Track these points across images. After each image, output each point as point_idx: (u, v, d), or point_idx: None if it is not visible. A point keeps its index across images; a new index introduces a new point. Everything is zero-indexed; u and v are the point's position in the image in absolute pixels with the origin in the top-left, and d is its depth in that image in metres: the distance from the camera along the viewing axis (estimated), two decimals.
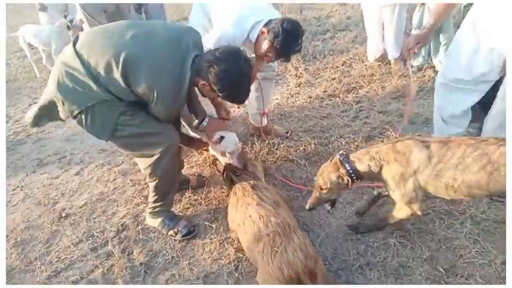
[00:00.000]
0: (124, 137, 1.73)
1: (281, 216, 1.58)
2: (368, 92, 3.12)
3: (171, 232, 2.04)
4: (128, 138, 1.74)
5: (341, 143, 2.55)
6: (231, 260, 1.85)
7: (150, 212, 2.07)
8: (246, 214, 1.66)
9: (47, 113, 1.76)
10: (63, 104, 1.65)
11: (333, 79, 3.46)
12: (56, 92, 1.64)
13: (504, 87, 1.80)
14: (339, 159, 1.65)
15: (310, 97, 3.23)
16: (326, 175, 1.66)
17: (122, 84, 1.60)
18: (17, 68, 5.26)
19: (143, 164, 1.84)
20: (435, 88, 2.10)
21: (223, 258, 1.88)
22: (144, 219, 2.20)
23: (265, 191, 1.78)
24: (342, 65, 3.66)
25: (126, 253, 2.00)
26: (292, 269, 1.33)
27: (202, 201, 2.26)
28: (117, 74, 1.58)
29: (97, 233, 2.16)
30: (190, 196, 2.32)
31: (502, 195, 1.45)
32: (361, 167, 1.61)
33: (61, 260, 2.02)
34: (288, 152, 2.54)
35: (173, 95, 1.65)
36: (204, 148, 2.30)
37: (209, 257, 1.90)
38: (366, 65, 3.48)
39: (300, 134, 2.73)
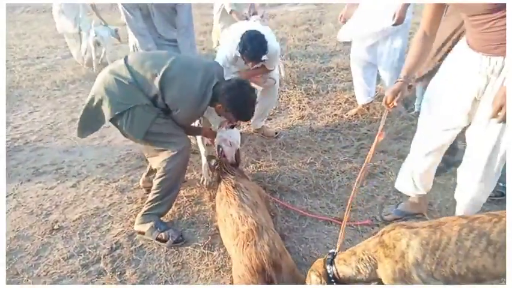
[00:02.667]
0: (154, 134, 2.08)
1: (257, 217, 1.79)
2: (369, 131, 3.18)
3: (161, 236, 2.10)
4: (156, 135, 2.09)
5: (342, 178, 2.57)
6: None
7: (143, 215, 2.16)
8: (227, 212, 1.87)
9: (91, 117, 2.12)
10: (109, 104, 2.03)
11: (335, 115, 3.52)
12: (104, 93, 2.03)
13: None
14: (324, 258, 1.56)
15: (312, 130, 3.28)
16: (309, 271, 1.59)
17: (159, 92, 2.02)
18: (20, 75, 5.26)
19: (160, 158, 2.13)
20: None
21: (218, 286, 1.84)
22: (139, 238, 2.16)
23: (247, 191, 1.98)
24: (345, 102, 3.75)
25: (118, 273, 1.95)
26: (258, 259, 1.58)
27: (200, 226, 2.24)
28: (156, 84, 2.01)
29: (89, 249, 2.10)
30: (187, 219, 2.29)
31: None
32: (347, 270, 1.48)
33: (50, 275, 1.95)
34: (289, 182, 2.55)
35: (194, 109, 2.12)
36: (210, 137, 2.52)
37: (204, 284, 1.86)
38: (367, 105, 3.56)
39: (302, 165, 2.75)
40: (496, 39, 1.48)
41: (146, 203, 2.18)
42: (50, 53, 6.58)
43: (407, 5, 2.68)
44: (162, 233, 2.10)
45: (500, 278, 1.41)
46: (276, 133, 3.22)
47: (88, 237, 2.20)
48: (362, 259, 1.46)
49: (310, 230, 2.16)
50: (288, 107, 3.77)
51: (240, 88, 2.11)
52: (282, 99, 3.89)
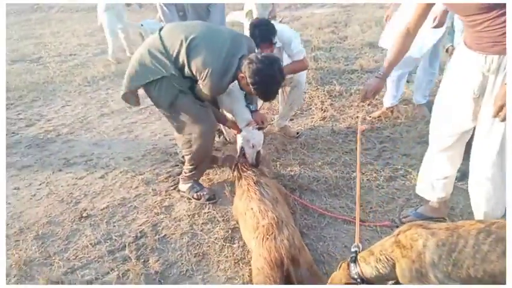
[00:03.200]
0: (180, 110, 2.20)
1: (277, 211, 1.84)
2: (392, 134, 3.16)
3: (195, 195, 2.44)
4: (183, 112, 2.20)
5: (363, 179, 2.57)
6: (245, 281, 1.86)
7: (182, 178, 2.50)
8: (248, 206, 1.92)
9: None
10: (140, 75, 2.17)
11: (358, 117, 3.52)
12: (137, 65, 2.16)
13: None
14: (348, 262, 1.57)
15: (334, 131, 3.29)
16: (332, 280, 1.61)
17: (185, 58, 2.04)
18: (54, 71, 5.52)
19: (183, 139, 2.30)
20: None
21: (237, 278, 1.89)
22: (162, 228, 2.26)
23: (267, 187, 2.04)
24: (368, 105, 3.73)
25: (142, 260, 2.03)
26: (277, 252, 1.62)
27: (220, 219, 2.30)
28: (183, 48, 2.04)
29: (115, 236, 2.21)
30: (209, 212, 2.36)
31: None
32: (368, 270, 1.50)
33: (78, 258, 2.06)
34: (309, 181, 2.58)
35: (220, 76, 2.06)
36: (234, 129, 2.62)
37: (223, 275, 1.92)
38: (392, 108, 3.53)
39: (322, 165, 2.77)
40: (492, 38, 1.46)
41: (184, 169, 2.48)
42: (82, 50, 6.86)
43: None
44: (196, 193, 2.44)
45: None
46: (298, 133, 3.26)
47: (114, 226, 2.31)
48: (380, 259, 1.48)
49: (329, 229, 2.19)
50: (311, 108, 3.79)
51: (270, 63, 2.01)
52: (304, 100, 3.90)
